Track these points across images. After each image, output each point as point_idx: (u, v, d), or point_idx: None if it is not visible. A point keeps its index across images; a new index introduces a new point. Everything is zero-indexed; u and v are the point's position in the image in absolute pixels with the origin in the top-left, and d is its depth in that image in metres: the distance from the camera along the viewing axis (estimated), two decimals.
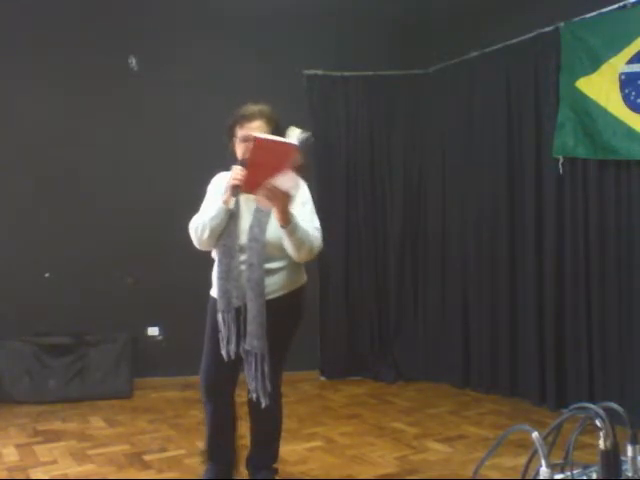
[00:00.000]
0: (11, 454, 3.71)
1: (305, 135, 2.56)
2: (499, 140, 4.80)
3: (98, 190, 5.09)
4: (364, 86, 5.48)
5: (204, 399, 3.07)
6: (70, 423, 4.31)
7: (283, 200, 2.58)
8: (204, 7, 5.20)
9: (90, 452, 3.73)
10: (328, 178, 5.44)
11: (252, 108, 2.88)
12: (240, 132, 2.84)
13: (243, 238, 2.82)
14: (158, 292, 5.12)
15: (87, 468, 3.49)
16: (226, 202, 2.76)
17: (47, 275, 5.07)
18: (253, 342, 2.79)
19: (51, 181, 5.03)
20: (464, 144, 5.10)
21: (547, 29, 4.41)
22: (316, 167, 5.44)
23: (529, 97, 4.58)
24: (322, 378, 5.45)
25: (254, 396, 2.84)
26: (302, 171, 2.60)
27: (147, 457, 3.65)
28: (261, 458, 3.10)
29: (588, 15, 4.17)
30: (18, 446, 3.84)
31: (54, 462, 3.58)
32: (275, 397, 2.96)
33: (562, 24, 4.30)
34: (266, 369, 2.80)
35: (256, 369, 2.81)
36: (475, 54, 4.99)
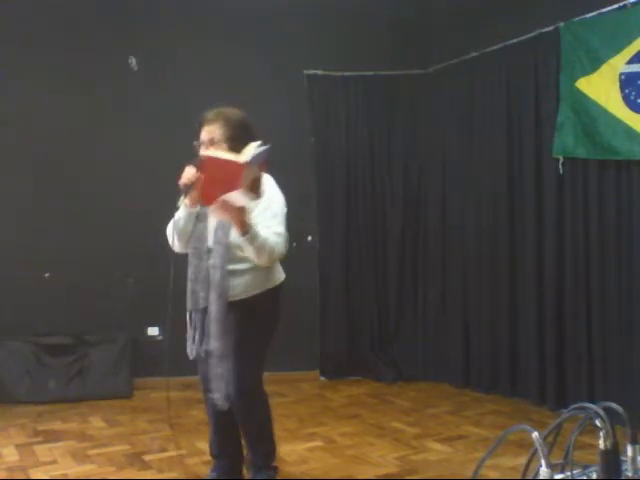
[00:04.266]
0: (11, 454, 3.71)
1: (258, 151, 2.59)
2: (499, 140, 4.80)
3: (98, 190, 5.08)
4: (364, 86, 5.48)
5: (204, 399, 3.10)
6: (70, 423, 4.31)
7: (236, 214, 2.63)
8: (204, 7, 5.20)
9: (90, 452, 3.73)
10: (328, 178, 5.44)
11: (210, 112, 2.91)
12: (201, 137, 2.90)
13: (210, 240, 2.88)
14: (158, 292, 5.11)
15: (87, 468, 3.49)
16: (186, 204, 2.82)
17: (47, 275, 5.07)
18: (213, 342, 2.83)
19: (51, 181, 5.03)
20: (464, 144, 5.10)
21: (547, 29, 4.41)
22: (316, 167, 5.45)
23: (529, 97, 4.58)
24: (322, 378, 5.44)
25: (214, 397, 2.86)
26: (257, 185, 2.63)
27: (147, 457, 3.65)
28: (256, 458, 3.10)
29: (588, 15, 4.17)
30: (18, 446, 3.84)
31: (54, 462, 3.58)
32: (254, 397, 2.99)
33: (562, 24, 4.30)
34: (225, 371, 2.83)
35: (216, 370, 2.84)
36: (475, 54, 4.99)
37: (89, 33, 5.08)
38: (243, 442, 3.16)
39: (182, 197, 2.81)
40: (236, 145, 2.75)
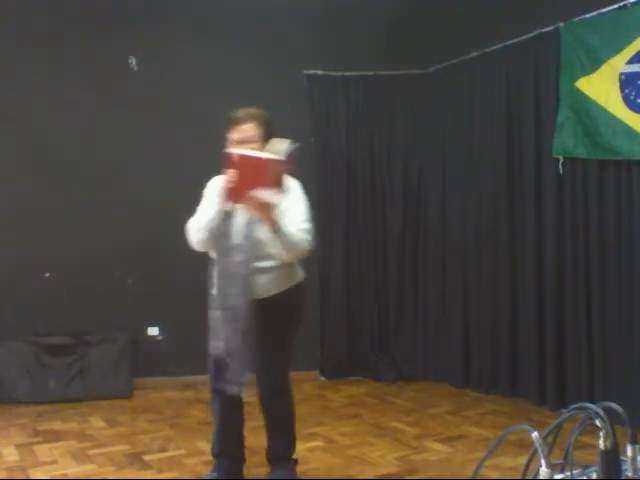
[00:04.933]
0: (11, 454, 3.71)
1: (290, 148, 2.67)
2: (499, 140, 4.80)
3: (98, 190, 5.08)
4: (364, 86, 5.48)
5: (212, 397, 3.13)
6: (70, 423, 4.31)
7: (266, 211, 2.68)
8: (204, 7, 5.20)
9: (90, 452, 3.73)
10: (328, 178, 5.44)
11: (242, 111, 2.97)
12: (233, 135, 2.94)
13: (238, 237, 2.89)
14: (158, 292, 5.12)
15: (87, 468, 3.49)
16: (222, 204, 2.83)
17: (47, 275, 5.06)
18: (237, 336, 2.86)
19: (51, 181, 5.03)
20: (464, 144, 5.10)
21: (547, 29, 4.41)
22: (316, 167, 5.44)
23: (529, 97, 4.58)
24: (322, 378, 5.44)
25: (227, 387, 2.89)
26: (282, 181, 2.70)
27: (147, 457, 3.65)
28: (278, 449, 3.17)
29: (588, 15, 4.17)
30: (18, 446, 3.84)
31: (54, 462, 3.58)
32: (285, 395, 3.07)
33: (562, 24, 4.30)
34: (247, 364, 2.87)
35: (238, 363, 2.87)
36: (475, 54, 4.99)
37: (89, 33, 5.08)
38: (245, 443, 3.19)
39: (222, 199, 2.82)
40: (267, 143, 2.89)
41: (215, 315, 2.92)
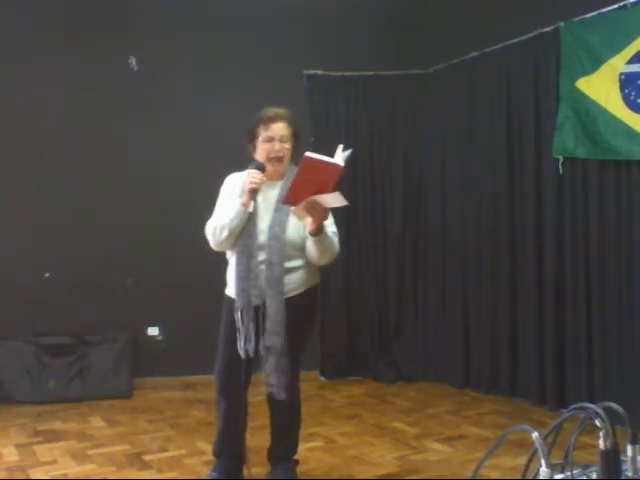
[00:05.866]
0: (11, 454, 3.71)
1: (346, 154, 2.68)
2: (499, 140, 4.80)
3: (98, 190, 5.08)
4: (364, 86, 5.48)
5: (218, 397, 3.13)
6: (70, 423, 4.31)
7: (323, 215, 2.73)
8: (204, 7, 5.20)
9: (90, 452, 3.72)
10: None
11: (276, 110, 3.00)
12: (265, 133, 2.97)
13: (262, 237, 2.89)
14: (158, 292, 5.12)
15: (87, 468, 3.49)
16: (245, 205, 2.84)
17: (47, 275, 5.06)
18: (273, 338, 2.85)
19: (51, 181, 5.03)
20: (464, 144, 5.10)
21: (547, 29, 4.41)
22: None
23: (529, 97, 4.58)
24: (322, 378, 5.44)
25: (274, 390, 2.88)
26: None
27: (147, 457, 3.64)
28: (281, 449, 3.17)
29: (588, 15, 4.17)
30: (18, 446, 3.84)
31: (54, 462, 3.58)
32: (294, 391, 3.05)
33: (562, 24, 4.30)
34: (285, 365, 2.86)
35: (276, 365, 2.87)
36: (475, 54, 4.99)
37: (89, 33, 5.08)
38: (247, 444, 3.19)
39: (246, 199, 2.82)
40: (295, 143, 2.98)
41: (238, 316, 2.90)
